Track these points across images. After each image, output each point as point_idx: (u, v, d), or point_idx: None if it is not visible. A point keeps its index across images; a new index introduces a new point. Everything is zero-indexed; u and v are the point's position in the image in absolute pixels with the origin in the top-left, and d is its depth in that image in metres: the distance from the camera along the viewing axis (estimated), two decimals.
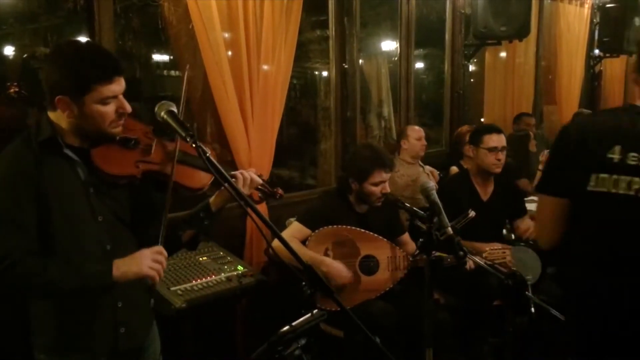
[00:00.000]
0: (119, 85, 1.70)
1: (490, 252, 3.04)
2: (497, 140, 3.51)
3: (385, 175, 3.03)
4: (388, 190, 3.07)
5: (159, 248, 1.73)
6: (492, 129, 3.61)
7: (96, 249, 1.76)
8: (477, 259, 2.72)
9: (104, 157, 1.74)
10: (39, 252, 1.66)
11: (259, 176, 2.05)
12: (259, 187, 2.04)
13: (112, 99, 1.69)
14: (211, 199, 1.94)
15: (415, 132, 4.40)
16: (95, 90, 1.65)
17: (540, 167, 4.98)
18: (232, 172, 1.90)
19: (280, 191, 2.15)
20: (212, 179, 1.89)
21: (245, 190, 1.89)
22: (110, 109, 1.70)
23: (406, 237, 3.29)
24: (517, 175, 4.71)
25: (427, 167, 4.59)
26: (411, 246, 3.22)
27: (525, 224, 3.61)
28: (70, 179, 1.74)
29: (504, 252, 3.06)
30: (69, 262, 1.68)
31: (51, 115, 1.73)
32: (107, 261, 1.69)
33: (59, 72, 1.66)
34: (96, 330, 1.80)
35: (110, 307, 1.81)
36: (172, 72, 3.91)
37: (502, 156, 3.52)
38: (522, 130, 5.57)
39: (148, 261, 1.69)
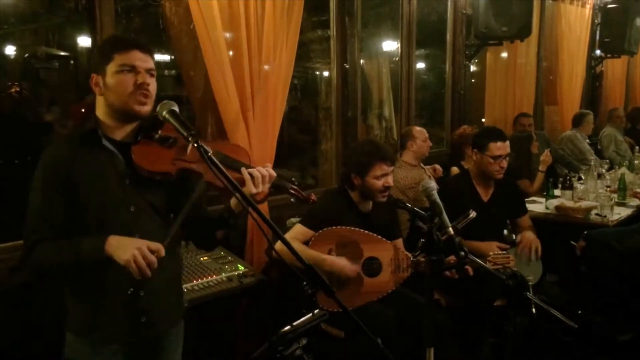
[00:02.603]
0: (137, 59, 1.82)
1: (495, 257, 3.03)
2: (503, 148, 3.49)
3: (386, 168, 3.01)
4: (391, 183, 3.05)
5: (157, 246, 1.72)
6: (498, 136, 3.55)
7: (125, 236, 1.82)
8: (478, 260, 2.72)
9: (143, 154, 1.85)
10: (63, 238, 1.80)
11: (291, 181, 2.09)
12: (292, 191, 2.08)
13: (130, 68, 1.81)
14: (232, 200, 1.98)
15: (422, 134, 4.40)
16: (114, 60, 1.81)
17: (541, 168, 4.96)
18: (249, 170, 1.92)
19: (313, 197, 2.19)
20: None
21: (256, 189, 1.90)
22: (127, 77, 1.81)
23: (400, 242, 3.27)
24: (518, 175, 4.70)
25: (428, 168, 4.59)
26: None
27: (527, 239, 3.50)
28: (106, 171, 1.85)
29: (508, 257, 3.06)
30: (70, 240, 1.79)
31: (96, 109, 1.89)
32: (102, 238, 1.75)
33: (93, 56, 1.90)
34: (118, 316, 1.89)
35: (133, 296, 1.88)
36: (174, 72, 3.92)
37: (505, 163, 3.52)
38: (521, 131, 5.56)
39: (135, 252, 1.68)
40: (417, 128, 4.48)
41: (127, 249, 1.69)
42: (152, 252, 1.70)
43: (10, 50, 3.18)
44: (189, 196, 1.90)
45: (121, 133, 1.89)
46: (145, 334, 1.94)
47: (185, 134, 1.69)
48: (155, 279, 1.79)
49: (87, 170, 1.82)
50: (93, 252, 1.75)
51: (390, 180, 3.05)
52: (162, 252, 1.73)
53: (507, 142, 3.55)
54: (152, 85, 1.86)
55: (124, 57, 1.81)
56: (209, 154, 1.64)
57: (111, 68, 1.81)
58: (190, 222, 1.95)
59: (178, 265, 2.14)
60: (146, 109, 1.85)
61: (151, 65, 1.87)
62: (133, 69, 1.82)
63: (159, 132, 1.88)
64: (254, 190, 1.89)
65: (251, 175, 1.90)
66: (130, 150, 1.84)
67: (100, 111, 1.88)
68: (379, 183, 3.01)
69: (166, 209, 1.95)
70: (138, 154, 1.84)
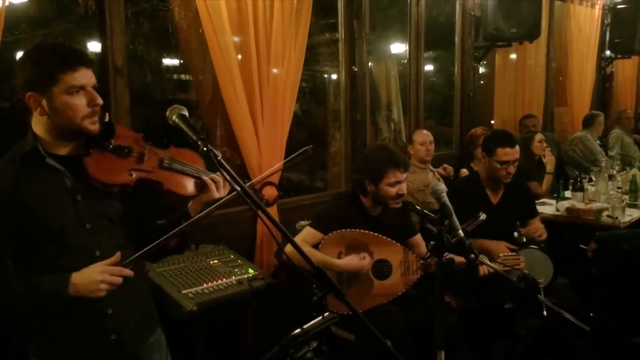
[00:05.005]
0: (85, 77, 1.71)
1: (505, 259, 3.02)
2: (511, 153, 3.44)
3: (400, 175, 2.99)
4: (405, 191, 3.03)
5: (118, 270, 1.72)
6: (507, 141, 3.48)
7: (84, 256, 1.76)
8: (488, 261, 2.71)
9: (98, 165, 1.75)
10: (20, 266, 1.71)
11: (249, 182, 2.05)
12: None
13: (79, 89, 1.70)
14: (189, 205, 1.92)
15: (420, 137, 4.38)
16: (61, 81, 1.67)
17: (548, 169, 4.90)
18: (204, 177, 1.90)
19: (265, 197, 2.12)
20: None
21: (219, 194, 1.89)
22: (79, 100, 1.71)
23: (418, 238, 3.26)
24: (528, 177, 4.66)
25: (437, 170, 4.57)
26: (424, 248, 3.20)
27: (535, 226, 3.55)
28: (54, 190, 1.75)
29: (518, 259, 3.04)
30: (27, 282, 1.69)
31: (33, 125, 1.77)
32: (63, 278, 1.69)
33: (25, 69, 1.71)
34: (85, 336, 1.82)
35: (100, 314, 1.81)
36: (183, 76, 3.93)
37: (512, 169, 3.47)
38: (527, 132, 5.51)
39: (102, 285, 1.69)
40: (420, 132, 4.46)
41: (91, 285, 1.68)
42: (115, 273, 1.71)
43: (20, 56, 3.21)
44: (145, 206, 1.88)
45: (65, 148, 1.78)
46: (117, 353, 1.86)
47: (195, 139, 1.69)
48: (121, 296, 1.78)
49: (34, 193, 1.72)
50: (54, 295, 1.69)
51: (404, 187, 3.01)
52: (124, 272, 1.72)
53: (517, 148, 3.48)
54: (100, 99, 1.76)
55: (70, 78, 1.68)
56: (219, 158, 1.64)
57: (57, 90, 1.68)
58: (141, 233, 1.86)
59: (142, 277, 2.05)
60: (98, 125, 1.76)
61: (94, 79, 1.75)
62: (82, 89, 1.71)
63: (112, 141, 1.79)
64: (217, 195, 1.88)
65: (213, 180, 1.89)
66: (78, 164, 1.74)
67: (40, 129, 1.75)
68: (393, 190, 2.98)
69: (123, 221, 1.87)
70: (92, 166, 1.74)
